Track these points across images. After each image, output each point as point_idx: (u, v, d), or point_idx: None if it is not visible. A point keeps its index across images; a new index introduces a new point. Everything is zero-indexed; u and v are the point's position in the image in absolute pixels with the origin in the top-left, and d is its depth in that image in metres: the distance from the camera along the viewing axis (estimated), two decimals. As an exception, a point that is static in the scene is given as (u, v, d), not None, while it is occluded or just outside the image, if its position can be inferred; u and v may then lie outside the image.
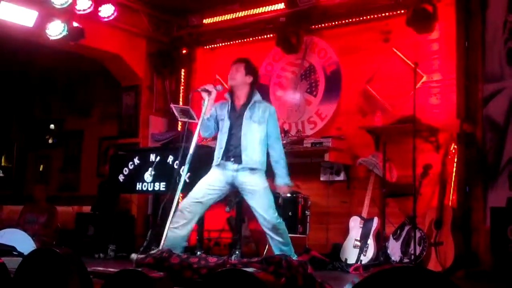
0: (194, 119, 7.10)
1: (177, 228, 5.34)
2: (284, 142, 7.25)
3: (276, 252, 5.51)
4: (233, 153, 5.51)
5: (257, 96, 5.63)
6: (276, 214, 5.49)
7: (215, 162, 5.51)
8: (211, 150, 5.97)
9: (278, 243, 5.47)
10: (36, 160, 11.38)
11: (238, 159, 5.47)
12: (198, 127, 5.50)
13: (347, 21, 7.78)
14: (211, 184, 5.50)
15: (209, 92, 5.46)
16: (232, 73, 5.59)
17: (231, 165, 5.48)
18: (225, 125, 5.56)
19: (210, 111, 5.52)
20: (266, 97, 8.33)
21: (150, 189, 7.24)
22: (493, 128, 6.57)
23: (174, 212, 5.24)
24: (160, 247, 5.24)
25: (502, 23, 6.63)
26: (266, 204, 5.45)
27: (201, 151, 6.87)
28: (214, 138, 6.10)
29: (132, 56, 8.98)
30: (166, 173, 7.04)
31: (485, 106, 6.65)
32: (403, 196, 6.84)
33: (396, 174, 6.99)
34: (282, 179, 5.64)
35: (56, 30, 7.65)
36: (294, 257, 5.44)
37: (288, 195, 7.09)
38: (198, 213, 5.48)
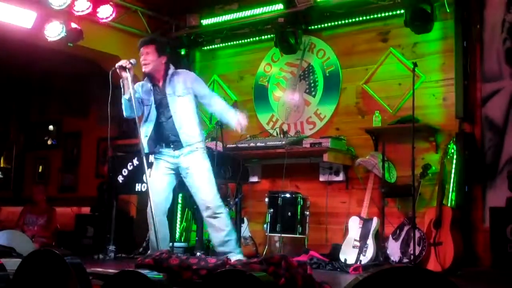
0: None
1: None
2: (283, 142, 7.27)
3: (218, 247, 5.39)
4: (170, 138, 5.37)
5: (171, 69, 5.46)
6: (218, 197, 5.35)
7: (143, 154, 5.15)
8: (211, 152, 5.96)
9: (219, 232, 5.31)
10: (35, 161, 11.38)
11: (178, 144, 5.34)
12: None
13: (345, 21, 7.78)
14: (162, 185, 5.39)
15: (124, 69, 5.24)
16: (144, 59, 5.41)
17: (172, 152, 5.37)
18: (152, 112, 5.40)
19: (131, 89, 5.23)
20: (264, 98, 8.37)
21: (149, 190, 7.23)
22: (492, 128, 6.57)
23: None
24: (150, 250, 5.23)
25: (500, 23, 6.63)
26: (211, 189, 5.33)
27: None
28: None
29: (131, 57, 8.88)
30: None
31: (483, 106, 6.65)
32: (402, 196, 6.85)
33: (395, 174, 7.00)
34: (234, 116, 5.40)
35: (54, 31, 7.65)
36: (239, 254, 5.37)
37: (288, 195, 7.11)
38: (163, 213, 5.37)
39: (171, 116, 5.37)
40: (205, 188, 5.35)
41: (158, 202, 5.23)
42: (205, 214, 5.38)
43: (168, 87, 5.39)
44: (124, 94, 5.32)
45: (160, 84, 5.46)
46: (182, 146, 5.35)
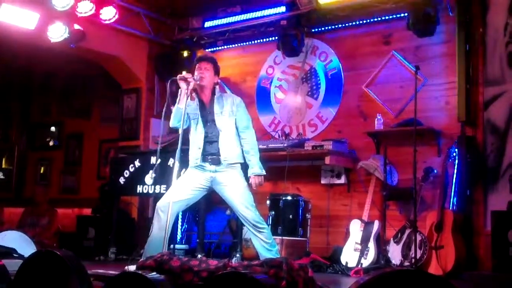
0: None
1: (153, 232, 5.36)
2: (285, 145, 7.27)
3: (262, 253, 5.47)
4: (209, 153, 5.47)
5: (218, 91, 5.66)
6: (258, 213, 5.46)
7: (193, 164, 5.45)
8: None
9: (263, 244, 5.43)
10: (37, 162, 11.38)
11: (215, 160, 5.44)
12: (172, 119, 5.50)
13: (348, 24, 7.79)
14: (191, 185, 5.45)
15: (187, 82, 5.39)
16: (202, 72, 5.56)
17: (208, 166, 5.45)
18: (199, 125, 5.53)
19: (185, 101, 5.38)
20: (266, 100, 8.37)
21: (150, 191, 7.25)
22: (494, 132, 6.57)
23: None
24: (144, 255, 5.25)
25: (503, 26, 6.63)
26: (246, 201, 5.42)
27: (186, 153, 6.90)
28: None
29: (133, 58, 8.98)
30: (166, 176, 7.04)
31: (486, 110, 6.65)
32: (403, 199, 6.85)
33: (397, 177, 6.99)
34: (254, 168, 5.51)
35: (57, 32, 7.66)
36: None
37: (289, 198, 7.11)
38: (173, 215, 5.34)
39: (214, 133, 5.50)
40: (243, 205, 5.43)
41: (173, 204, 5.26)
42: (248, 227, 5.50)
43: (216, 105, 5.53)
44: (178, 103, 5.50)
45: (207, 101, 5.60)
46: (220, 163, 5.44)
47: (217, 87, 5.69)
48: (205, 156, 5.46)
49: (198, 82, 5.47)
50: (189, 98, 5.41)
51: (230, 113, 5.51)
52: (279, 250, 5.85)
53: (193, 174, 5.49)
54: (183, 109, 5.36)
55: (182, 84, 5.42)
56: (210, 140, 5.49)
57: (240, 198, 5.43)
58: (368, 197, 6.92)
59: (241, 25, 8.48)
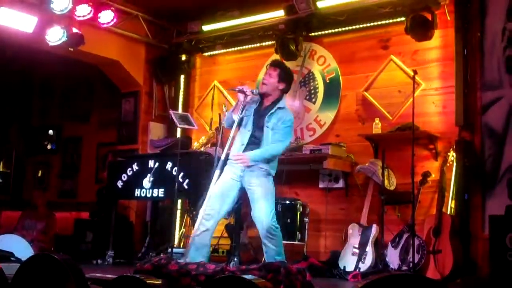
0: (193, 126, 7.11)
1: (198, 236, 5.49)
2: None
3: (267, 258, 5.52)
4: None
5: (282, 103, 5.67)
6: (275, 220, 5.48)
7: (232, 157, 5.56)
8: (211, 158, 5.98)
9: (271, 251, 5.45)
10: (35, 166, 11.36)
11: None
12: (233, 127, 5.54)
13: (346, 28, 7.79)
14: (226, 191, 5.53)
15: (245, 94, 5.51)
16: (265, 78, 5.65)
17: (239, 165, 5.52)
18: (249, 122, 5.59)
19: (239, 111, 5.51)
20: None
21: (148, 195, 7.24)
22: (492, 136, 6.57)
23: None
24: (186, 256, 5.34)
25: (500, 31, 6.64)
26: (266, 208, 5.44)
27: (201, 158, 6.90)
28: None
29: (132, 62, 8.99)
30: (164, 180, 7.04)
31: (483, 114, 6.66)
32: (402, 203, 6.85)
33: (395, 182, 6.99)
34: (253, 152, 5.51)
35: (55, 36, 7.66)
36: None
37: (287, 202, 7.10)
38: (218, 217, 5.58)
39: (258, 138, 5.55)
40: (264, 207, 5.45)
41: (214, 205, 5.48)
42: (262, 235, 5.49)
43: (269, 116, 5.56)
44: (233, 111, 5.63)
45: (265, 106, 5.65)
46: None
47: (285, 96, 5.77)
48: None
49: (255, 94, 5.59)
50: (244, 109, 5.55)
51: (274, 127, 5.54)
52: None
53: (227, 177, 5.56)
54: (236, 120, 5.50)
55: (240, 96, 5.53)
56: (253, 142, 5.54)
57: (261, 203, 5.44)
58: (366, 201, 6.92)
59: (239, 29, 8.50)
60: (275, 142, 5.55)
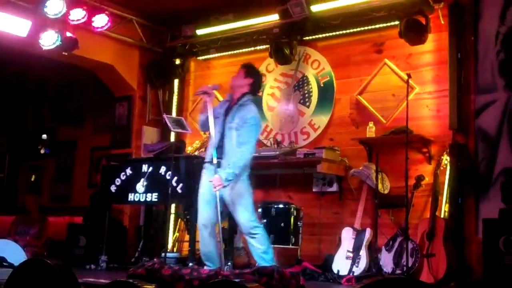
0: (187, 130, 7.10)
1: (204, 245, 5.71)
2: (277, 153, 7.26)
3: (257, 260, 5.64)
4: (219, 154, 5.68)
5: (247, 98, 5.82)
6: (254, 219, 5.66)
7: (207, 158, 5.78)
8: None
9: (257, 250, 5.60)
10: (28, 170, 11.32)
11: (219, 163, 5.64)
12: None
13: (340, 32, 7.80)
14: (208, 197, 5.70)
15: (208, 94, 5.77)
16: (233, 77, 5.95)
17: (216, 165, 5.64)
18: (219, 123, 5.76)
19: (209, 110, 5.73)
20: (259, 108, 8.34)
21: (142, 200, 7.22)
22: (485, 140, 6.59)
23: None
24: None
25: (494, 35, 6.65)
26: (242, 210, 5.60)
27: (195, 162, 6.88)
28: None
29: (126, 66, 8.98)
30: (158, 184, 7.02)
31: (477, 118, 6.67)
32: (395, 207, 6.85)
33: (389, 185, 6.99)
34: (222, 170, 5.58)
35: (49, 40, 7.65)
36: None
37: (281, 206, 7.10)
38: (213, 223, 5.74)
39: (227, 137, 5.69)
40: (240, 209, 5.64)
41: (203, 214, 5.74)
42: (243, 232, 5.78)
43: (231, 114, 5.76)
44: (202, 113, 5.94)
45: (234, 102, 5.85)
46: (221, 166, 5.63)
47: (249, 96, 5.88)
48: (216, 155, 5.66)
49: (217, 88, 6.01)
50: (214, 109, 5.80)
51: (237, 125, 5.67)
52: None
53: (205, 182, 5.76)
54: (207, 118, 5.74)
55: (206, 97, 5.80)
56: (221, 145, 5.68)
57: (238, 203, 5.60)
58: (360, 205, 6.92)
59: (233, 33, 8.50)
60: (239, 146, 5.63)
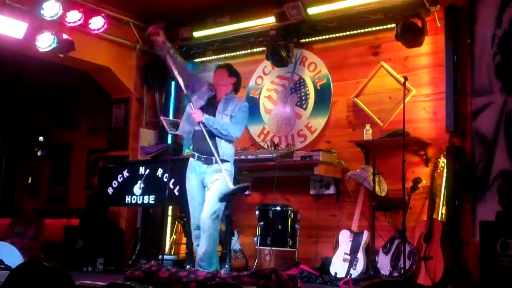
0: (184, 132, 7.08)
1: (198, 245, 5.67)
2: (274, 155, 7.26)
3: (196, 259, 5.66)
4: (202, 151, 5.74)
5: (233, 94, 6.01)
6: (215, 222, 5.62)
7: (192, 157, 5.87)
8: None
9: (200, 246, 5.62)
10: (25, 172, 11.31)
11: (207, 160, 5.70)
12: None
13: (337, 35, 7.81)
14: (196, 195, 5.79)
15: (155, 34, 6.08)
16: (215, 78, 6.01)
17: (201, 165, 5.74)
18: (208, 113, 5.81)
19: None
20: (255, 110, 8.35)
21: (139, 202, 7.23)
22: (482, 142, 6.59)
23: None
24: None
25: (490, 37, 6.66)
26: (210, 205, 5.61)
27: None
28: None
29: (122, 68, 8.96)
30: (155, 186, 7.02)
31: (474, 120, 6.68)
32: (392, 209, 6.86)
33: (386, 188, 7.00)
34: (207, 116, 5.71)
35: (46, 42, 7.64)
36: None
37: (278, 208, 7.10)
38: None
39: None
40: (207, 205, 5.63)
41: (194, 214, 5.78)
42: (196, 224, 5.71)
43: (221, 104, 5.87)
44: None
45: (220, 99, 5.95)
46: (211, 163, 5.68)
47: (233, 92, 6.05)
48: (198, 155, 5.77)
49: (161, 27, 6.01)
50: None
51: (231, 113, 5.79)
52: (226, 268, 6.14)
53: (192, 183, 5.86)
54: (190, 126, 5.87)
55: (158, 38, 6.02)
56: (202, 135, 5.69)
57: (209, 199, 5.63)
58: (357, 207, 6.92)
59: (230, 36, 8.50)
60: (233, 124, 5.78)
